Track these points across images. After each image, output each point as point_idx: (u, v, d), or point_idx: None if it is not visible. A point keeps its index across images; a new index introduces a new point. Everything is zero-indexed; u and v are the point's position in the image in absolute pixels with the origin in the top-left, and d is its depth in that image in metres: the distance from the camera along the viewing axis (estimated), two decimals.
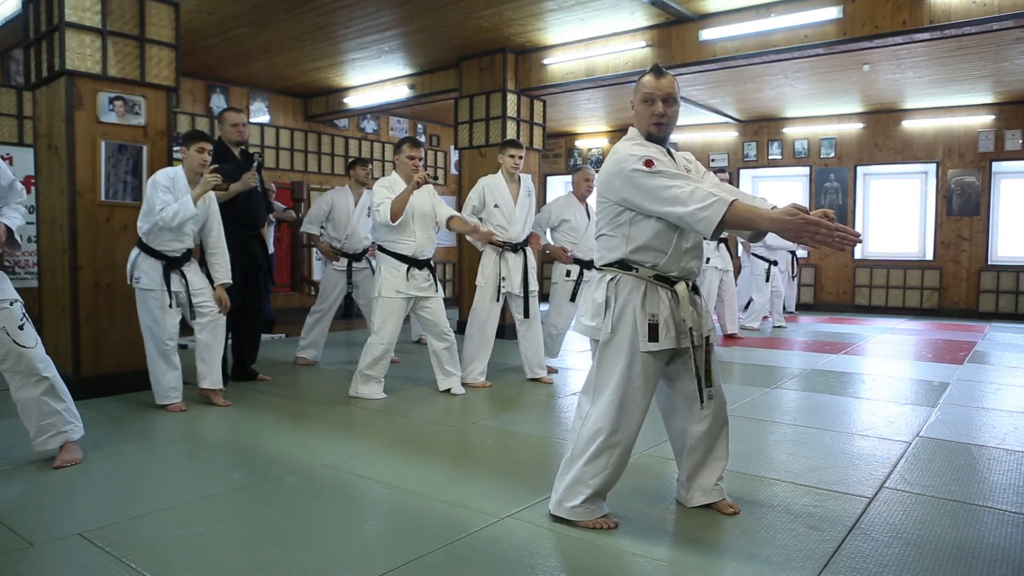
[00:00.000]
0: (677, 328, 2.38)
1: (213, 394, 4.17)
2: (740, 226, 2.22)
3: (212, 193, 4.06)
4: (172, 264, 3.95)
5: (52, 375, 2.99)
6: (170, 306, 3.94)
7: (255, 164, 4.69)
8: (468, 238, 4.59)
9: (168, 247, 3.93)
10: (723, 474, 2.61)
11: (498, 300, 4.87)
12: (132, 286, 3.97)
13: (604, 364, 2.42)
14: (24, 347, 2.89)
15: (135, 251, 3.97)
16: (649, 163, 2.27)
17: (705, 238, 2.34)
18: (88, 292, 4.32)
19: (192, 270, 4.05)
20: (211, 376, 4.13)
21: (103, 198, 4.35)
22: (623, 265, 2.40)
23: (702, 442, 2.56)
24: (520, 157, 4.88)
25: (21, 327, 2.89)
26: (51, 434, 3.02)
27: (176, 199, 3.85)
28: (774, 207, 2.22)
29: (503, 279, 4.83)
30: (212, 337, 4.10)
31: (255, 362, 4.99)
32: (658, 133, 2.42)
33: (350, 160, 6.23)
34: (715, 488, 2.59)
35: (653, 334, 2.35)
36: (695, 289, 2.50)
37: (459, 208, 5.33)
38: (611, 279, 2.40)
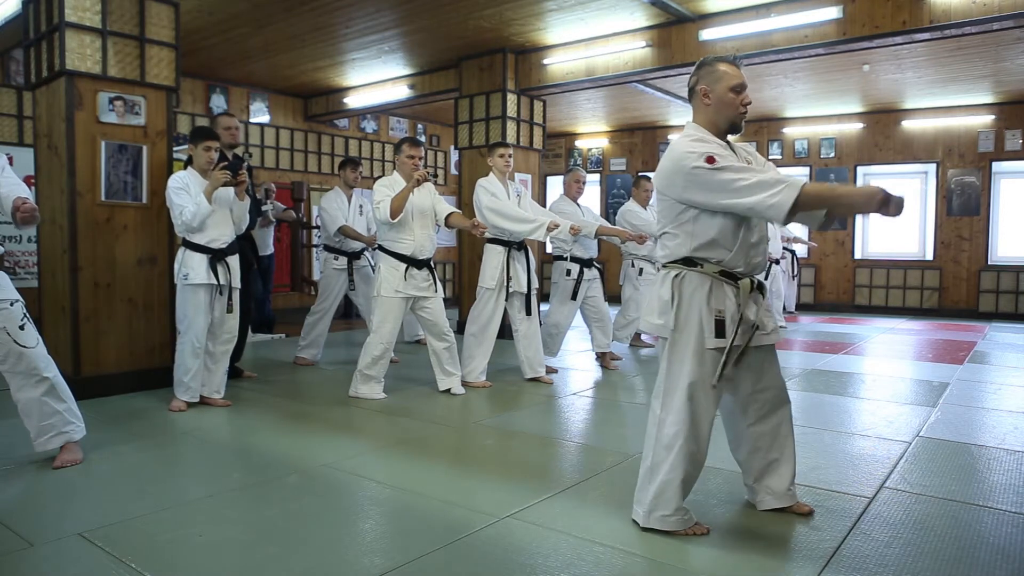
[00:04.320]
0: (742, 325, 2.36)
1: (212, 400, 4.20)
2: (818, 205, 2.17)
3: (232, 190, 4.10)
4: (217, 256, 4.02)
5: (53, 375, 2.99)
6: (219, 293, 4.06)
7: (244, 164, 4.72)
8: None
9: (209, 237, 4.00)
10: (795, 477, 2.58)
11: (506, 299, 4.85)
12: (177, 283, 4.02)
13: (673, 365, 2.38)
14: (25, 347, 2.88)
15: (181, 250, 4.04)
16: (711, 159, 2.23)
17: (779, 224, 2.33)
18: (88, 292, 4.32)
19: (235, 262, 4.15)
20: (212, 385, 4.20)
21: (103, 198, 4.35)
22: (688, 262, 2.36)
23: (765, 443, 2.52)
24: (510, 156, 4.86)
25: (22, 327, 2.89)
26: (52, 434, 3.02)
27: (193, 198, 3.92)
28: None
29: (510, 278, 4.82)
30: (226, 349, 4.21)
31: (240, 360, 5.00)
32: (741, 122, 2.41)
33: (340, 160, 6.22)
34: (787, 493, 2.55)
35: (720, 330, 2.33)
36: (759, 286, 2.45)
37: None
38: (676, 276, 2.37)
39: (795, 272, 9.29)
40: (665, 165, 2.37)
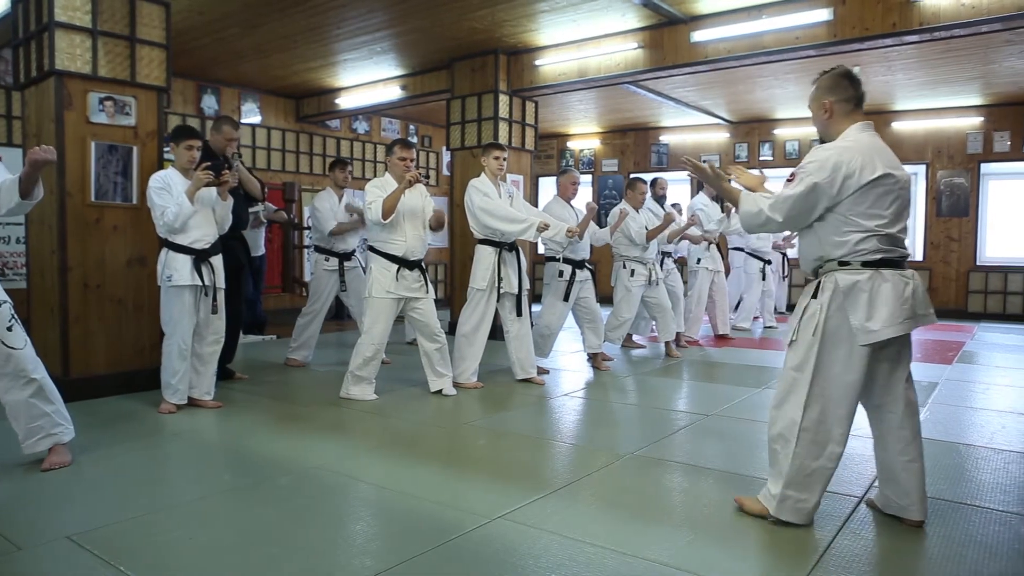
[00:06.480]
0: None
1: (202, 402, 4.18)
2: None
3: (214, 190, 4.06)
4: (201, 257, 3.99)
5: (41, 377, 2.97)
6: (205, 294, 4.03)
7: (235, 164, 4.69)
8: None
9: (192, 238, 3.97)
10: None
11: (497, 300, 4.85)
12: (161, 285, 3.99)
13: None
14: (13, 348, 2.86)
15: (164, 251, 4.00)
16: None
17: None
18: (78, 293, 4.30)
19: (219, 263, 4.12)
20: (201, 387, 4.17)
21: (92, 199, 4.32)
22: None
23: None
24: (504, 159, 4.86)
25: (10, 328, 2.87)
26: (40, 436, 3.00)
27: (175, 198, 3.88)
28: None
29: (500, 280, 4.82)
30: (214, 350, 4.18)
31: (231, 361, 4.98)
32: None
33: (330, 161, 6.19)
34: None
35: None
36: None
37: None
38: None
39: (785, 272, 9.33)
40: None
